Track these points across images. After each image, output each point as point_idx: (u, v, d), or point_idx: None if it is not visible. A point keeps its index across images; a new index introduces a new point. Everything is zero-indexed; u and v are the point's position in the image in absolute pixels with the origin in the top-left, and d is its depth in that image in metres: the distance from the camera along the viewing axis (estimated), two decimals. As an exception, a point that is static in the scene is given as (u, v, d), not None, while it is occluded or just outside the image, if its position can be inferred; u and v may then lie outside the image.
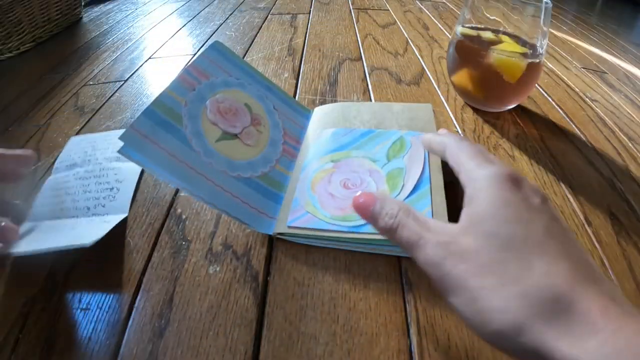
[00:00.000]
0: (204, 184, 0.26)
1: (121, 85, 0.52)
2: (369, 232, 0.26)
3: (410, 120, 0.36)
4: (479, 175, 0.19)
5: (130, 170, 0.35)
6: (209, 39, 0.68)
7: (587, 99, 0.49)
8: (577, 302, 0.15)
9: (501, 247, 0.17)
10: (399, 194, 0.29)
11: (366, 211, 0.21)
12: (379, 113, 0.38)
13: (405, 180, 0.30)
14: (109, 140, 0.39)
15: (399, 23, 0.74)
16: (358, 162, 0.32)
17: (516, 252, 0.17)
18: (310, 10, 0.81)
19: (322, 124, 0.37)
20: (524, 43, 0.39)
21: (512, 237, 0.17)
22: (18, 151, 0.28)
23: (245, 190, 0.29)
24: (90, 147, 0.38)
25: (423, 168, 0.30)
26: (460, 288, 0.17)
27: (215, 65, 0.34)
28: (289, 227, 0.27)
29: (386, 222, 0.20)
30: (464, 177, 0.21)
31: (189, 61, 0.59)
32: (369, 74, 0.53)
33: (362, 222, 0.26)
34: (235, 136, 0.31)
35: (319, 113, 0.39)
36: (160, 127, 0.26)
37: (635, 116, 0.46)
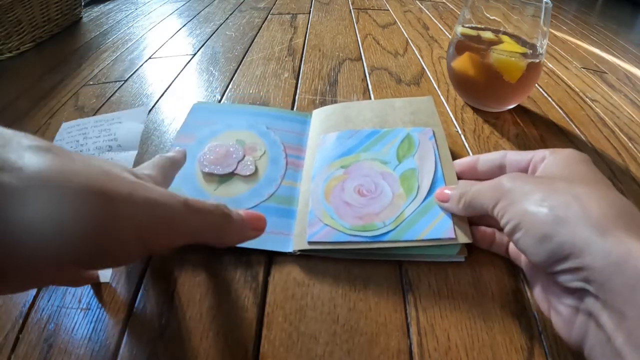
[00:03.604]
0: None
1: (121, 85, 0.52)
2: (391, 239, 0.26)
3: (413, 115, 0.36)
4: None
5: (124, 160, 0.34)
6: (209, 39, 0.68)
7: (587, 99, 0.49)
8: None
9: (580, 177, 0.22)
10: (415, 196, 0.28)
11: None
12: (381, 110, 0.37)
13: (420, 180, 0.29)
14: (100, 127, 0.38)
15: (399, 23, 0.74)
16: (369, 165, 0.31)
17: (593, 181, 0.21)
18: (310, 10, 0.81)
19: (323, 127, 0.36)
20: (524, 43, 0.39)
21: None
22: (171, 155, 0.27)
23: None
24: (81, 135, 0.37)
25: (435, 166, 0.30)
26: (558, 193, 0.20)
27: (198, 124, 0.37)
28: (310, 242, 0.27)
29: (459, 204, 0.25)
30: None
31: (188, 61, 0.59)
32: (369, 74, 0.53)
33: (384, 230, 0.26)
34: (232, 174, 0.32)
35: (319, 116, 0.39)
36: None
37: (635, 116, 0.46)
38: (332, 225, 0.27)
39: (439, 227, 0.26)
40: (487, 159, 0.28)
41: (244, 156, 0.34)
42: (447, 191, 0.27)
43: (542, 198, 0.20)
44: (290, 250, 0.27)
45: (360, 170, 0.31)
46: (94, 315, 0.24)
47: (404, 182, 0.29)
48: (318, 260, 0.27)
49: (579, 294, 0.18)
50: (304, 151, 0.35)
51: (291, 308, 0.24)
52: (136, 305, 0.24)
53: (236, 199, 0.30)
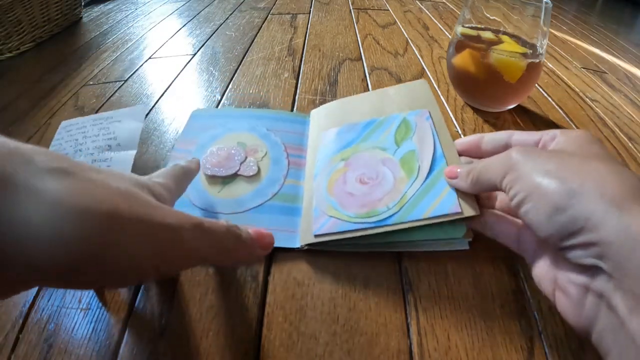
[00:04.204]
0: None
1: (121, 85, 0.52)
2: (396, 222, 0.26)
3: (408, 99, 0.35)
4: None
5: (123, 159, 0.34)
6: (209, 39, 0.68)
7: (587, 99, 0.49)
8: None
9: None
10: (416, 177, 0.28)
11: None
12: (377, 101, 0.37)
13: (420, 161, 0.29)
14: (99, 126, 0.38)
15: (399, 23, 0.74)
16: (369, 155, 0.31)
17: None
18: (310, 10, 0.81)
19: (322, 125, 0.37)
20: (524, 43, 0.39)
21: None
22: (186, 164, 0.27)
23: (258, 217, 0.29)
24: (81, 134, 0.37)
25: (434, 146, 0.30)
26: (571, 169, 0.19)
27: (199, 130, 0.37)
28: (316, 235, 0.27)
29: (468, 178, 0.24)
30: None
31: (188, 61, 0.59)
32: (369, 74, 0.53)
33: (389, 214, 0.26)
34: (235, 175, 0.32)
35: (317, 115, 0.39)
36: None
37: (635, 116, 0.46)
38: (337, 216, 0.27)
39: (444, 204, 0.26)
40: (492, 138, 0.27)
41: (246, 157, 0.34)
42: (457, 169, 0.26)
43: (555, 170, 0.19)
44: (297, 245, 0.27)
45: (361, 161, 0.31)
46: (94, 315, 0.24)
47: (404, 164, 0.29)
48: (318, 260, 0.27)
49: (591, 272, 0.17)
50: (304, 150, 0.35)
51: (291, 308, 0.24)
52: (136, 305, 0.24)
53: (240, 199, 0.30)
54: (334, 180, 0.30)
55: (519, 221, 0.24)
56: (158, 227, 0.16)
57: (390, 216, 0.26)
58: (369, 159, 0.31)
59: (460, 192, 0.26)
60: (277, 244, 0.27)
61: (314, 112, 0.40)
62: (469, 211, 0.25)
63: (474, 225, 0.26)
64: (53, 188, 0.14)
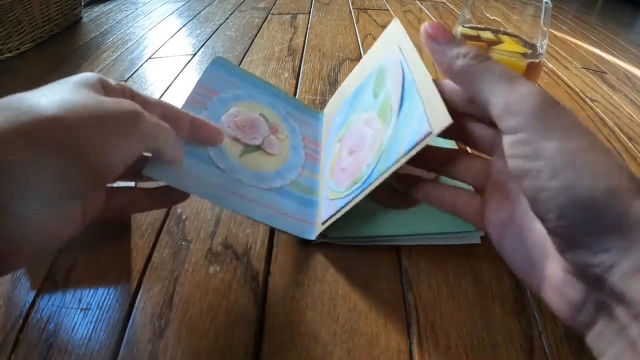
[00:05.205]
0: (236, 201, 0.26)
1: (121, 85, 0.52)
2: (377, 175, 0.23)
3: (384, 46, 0.31)
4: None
5: None
6: (208, 39, 0.68)
7: (587, 99, 0.49)
8: None
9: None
10: (390, 120, 0.25)
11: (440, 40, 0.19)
12: (361, 65, 0.35)
13: (393, 101, 0.25)
14: None
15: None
16: (356, 125, 0.30)
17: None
18: (310, 10, 0.81)
19: (328, 120, 0.36)
20: (524, 43, 0.39)
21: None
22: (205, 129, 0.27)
23: (279, 200, 0.28)
24: None
25: (403, 77, 0.25)
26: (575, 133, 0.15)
27: (222, 81, 0.33)
28: (323, 223, 0.27)
29: (472, 50, 0.18)
30: None
31: (188, 61, 0.59)
32: (369, 74, 0.53)
33: (368, 173, 0.24)
34: (257, 147, 0.31)
35: (327, 114, 0.38)
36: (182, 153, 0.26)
37: (635, 116, 0.46)
38: (334, 197, 0.27)
39: (414, 133, 0.21)
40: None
41: (270, 134, 0.33)
42: (451, 33, 0.20)
43: (590, 146, 0.15)
44: (313, 237, 0.27)
45: (350, 132, 0.30)
46: (94, 315, 0.24)
47: (381, 114, 0.27)
48: (318, 260, 0.27)
49: (592, 279, 0.15)
50: (319, 146, 0.35)
51: (291, 308, 0.24)
52: (136, 305, 0.24)
53: (262, 175, 0.29)
54: (334, 163, 0.30)
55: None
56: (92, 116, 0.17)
57: (370, 174, 0.24)
58: (356, 127, 0.30)
59: (429, 105, 0.21)
60: (293, 232, 0.27)
61: (325, 112, 0.39)
62: (438, 125, 0.19)
63: (417, 195, 0.24)
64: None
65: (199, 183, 0.25)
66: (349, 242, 0.28)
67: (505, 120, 0.17)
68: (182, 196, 0.26)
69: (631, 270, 0.13)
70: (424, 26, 0.20)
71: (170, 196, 0.26)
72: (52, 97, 0.17)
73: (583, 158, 0.15)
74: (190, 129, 0.25)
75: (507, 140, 0.17)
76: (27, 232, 0.16)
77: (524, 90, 0.16)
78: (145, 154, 0.22)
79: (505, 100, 0.17)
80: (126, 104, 0.19)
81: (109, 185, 0.24)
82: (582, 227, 0.14)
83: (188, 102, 0.29)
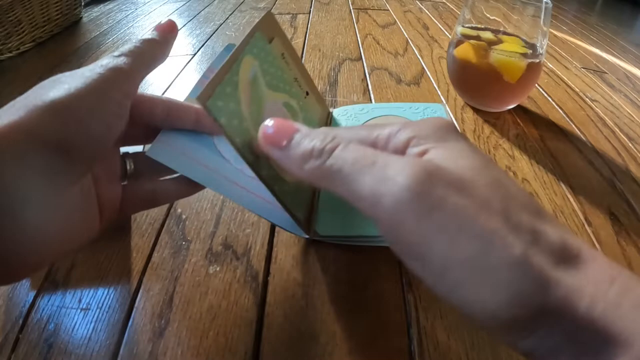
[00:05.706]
0: (238, 191, 0.26)
1: (121, 85, 0.52)
2: None
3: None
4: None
5: None
6: (209, 39, 0.68)
7: (587, 99, 0.49)
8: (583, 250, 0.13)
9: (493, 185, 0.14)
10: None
11: (281, 144, 0.16)
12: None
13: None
14: None
15: (399, 23, 0.74)
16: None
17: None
18: (310, 10, 0.81)
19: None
20: (524, 43, 0.39)
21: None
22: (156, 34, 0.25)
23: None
24: None
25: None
26: (463, 231, 0.12)
27: None
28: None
29: (315, 145, 0.15)
30: None
31: (188, 61, 0.59)
32: (369, 74, 0.53)
33: None
34: None
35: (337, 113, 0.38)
36: (186, 137, 0.25)
37: (635, 116, 0.46)
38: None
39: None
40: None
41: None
42: (294, 125, 0.17)
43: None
44: (308, 236, 0.27)
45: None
46: (94, 315, 0.24)
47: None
48: (318, 260, 0.27)
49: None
50: None
51: (291, 308, 0.24)
52: (136, 305, 0.24)
53: None
54: None
55: None
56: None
57: None
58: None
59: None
60: (288, 228, 0.27)
61: (339, 116, 0.38)
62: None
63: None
64: None
65: (203, 171, 0.25)
66: (347, 242, 0.27)
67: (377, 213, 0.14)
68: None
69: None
70: (263, 127, 0.17)
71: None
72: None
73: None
74: (196, 120, 0.25)
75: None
76: (36, 234, 0.16)
77: (390, 172, 0.14)
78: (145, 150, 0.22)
79: (371, 191, 0.14)
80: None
81: (122, 183, 0.23)
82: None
83: (197, 87, 0.29)
